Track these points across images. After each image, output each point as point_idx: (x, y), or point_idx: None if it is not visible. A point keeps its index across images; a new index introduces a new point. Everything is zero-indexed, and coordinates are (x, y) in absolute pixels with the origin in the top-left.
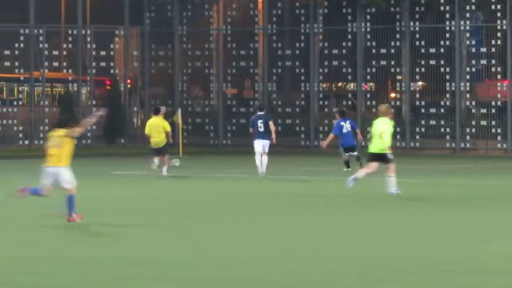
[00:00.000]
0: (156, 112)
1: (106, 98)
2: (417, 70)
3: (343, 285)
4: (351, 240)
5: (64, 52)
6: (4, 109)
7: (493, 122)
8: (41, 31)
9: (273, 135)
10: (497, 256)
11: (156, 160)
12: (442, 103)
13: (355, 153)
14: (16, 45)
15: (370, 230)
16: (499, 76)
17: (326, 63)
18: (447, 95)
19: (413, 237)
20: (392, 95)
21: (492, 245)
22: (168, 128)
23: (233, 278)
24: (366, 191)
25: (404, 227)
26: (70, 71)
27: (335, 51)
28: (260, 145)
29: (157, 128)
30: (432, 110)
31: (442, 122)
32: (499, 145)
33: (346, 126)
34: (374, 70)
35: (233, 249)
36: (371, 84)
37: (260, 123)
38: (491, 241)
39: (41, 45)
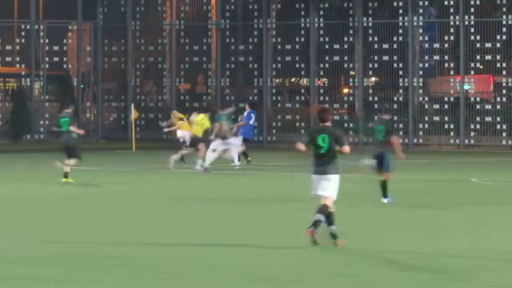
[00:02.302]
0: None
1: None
2: (370, 65)
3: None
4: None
5: (17, 47)
6: None
7: (446, 118)
8: None
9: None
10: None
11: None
12: (395, 98)
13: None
14: None
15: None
16: (451, 72)
17: (279, 58)
18: (400, 91)
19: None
20: (345, 90)
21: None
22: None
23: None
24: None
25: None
26: (23, 66)
27: (288, 47)
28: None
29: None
30: (386, 105)
31: (395, 118)
32: (451, 141)
33: (253, 119)
34: (327, 65)
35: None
36: (324, 79)
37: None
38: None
39: None
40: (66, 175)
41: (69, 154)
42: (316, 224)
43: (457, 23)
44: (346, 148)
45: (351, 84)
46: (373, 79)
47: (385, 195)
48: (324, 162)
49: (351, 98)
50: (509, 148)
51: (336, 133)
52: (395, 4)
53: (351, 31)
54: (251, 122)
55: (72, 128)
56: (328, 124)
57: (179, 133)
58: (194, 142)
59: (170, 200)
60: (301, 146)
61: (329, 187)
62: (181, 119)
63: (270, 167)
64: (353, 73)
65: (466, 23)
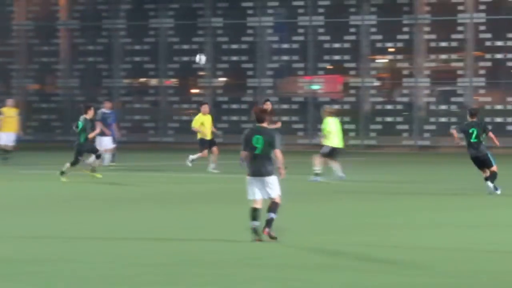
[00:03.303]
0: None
1: None
2: (220, 66)
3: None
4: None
5: None
6: None
7: (295, 118)
8: None
9: None
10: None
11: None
12: (244, 99)
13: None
14: None
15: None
16: (300, 72)
17: (128, 59)
18: (249, 91)
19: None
20: (195, 91)
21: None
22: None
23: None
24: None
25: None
26: None
27: (137, 47)
28: None
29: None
30: (234, 106)
31: (244, 118)
32: (300, 141)
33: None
34: (176, 65)
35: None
36: (174, 80)
37: None
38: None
39: None
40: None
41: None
42: (269, 223)
43: (306, 23)
44: (277, 152)
45: (200, 84)
46: (222, 79)
47: None
48: (258, 163)
49: (200, 98)
50: (356, 148)
51: (271, 135)
52: (244, 4)
53: (200, 31)
54: (109, 121)
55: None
56: (265, 125)
57: None
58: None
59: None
60: (243, 154)
61: (269, 191)
62: None
63: (120, 167)
64: (202, 73)
65: (315, 23)
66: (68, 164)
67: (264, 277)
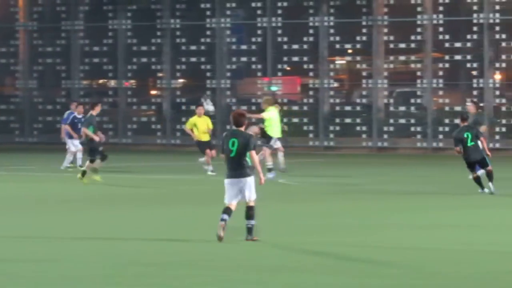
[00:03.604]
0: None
1: None
2: (178, 67)
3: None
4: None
5: None
6: None
7: (254, 119)
8: None
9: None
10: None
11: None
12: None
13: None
14: None
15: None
16: (259, 74)
17: (87, 60)
18: (208, 93)
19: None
20: (153, 92)
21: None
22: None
23: None
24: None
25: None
26: None
27: (96, 48)
28: None
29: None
30: (193, 107)
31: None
32: (259, 142)
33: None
34: (135, 67)
35: None
36: (132, 81)
37: None
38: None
39: None
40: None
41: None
42: (250, 230)
43: (265, 24)
44: (253, 153)
45: (159, 85)
46: (181, 80)
47: None
48: (234, 165)
49: (159, 100)
50: (316, 149)
51: (247, 137)
52: (202, 6)
53: (159, 33)
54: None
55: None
56: (242, 129)
57: None
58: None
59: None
60: (222, 156)
61: (246, 193)
62: None
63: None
64: (161, 74)
65: (274, 24)
66: (88, 163)
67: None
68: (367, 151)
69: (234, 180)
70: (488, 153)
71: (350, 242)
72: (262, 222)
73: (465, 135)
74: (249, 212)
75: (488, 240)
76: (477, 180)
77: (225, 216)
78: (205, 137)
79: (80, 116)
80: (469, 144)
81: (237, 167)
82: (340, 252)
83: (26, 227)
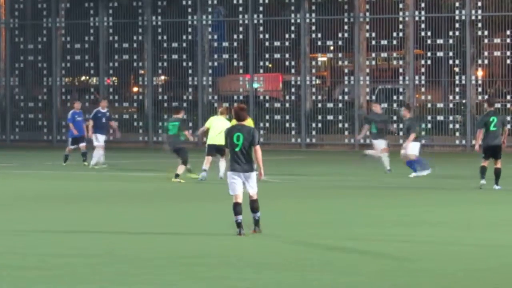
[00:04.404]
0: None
1: None
2: (160, 64)
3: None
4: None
5: None
6: None
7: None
8: None
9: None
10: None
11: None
12: (184, 97)
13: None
14: None
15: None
16: (241, 71)
17: (68, 57)
18: (190, 90)
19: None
20: (135, 89)
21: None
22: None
23: None
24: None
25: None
26: None
27: (77, 46)
28: None
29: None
30: (175, 104)
31: (185, 117)
32: None
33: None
34: (116, 64)
35: None
36: (114, 78)
37: None
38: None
39: None
40: (177, 176)
41: (180, 155)
42: (257, 222)
43: (246, 21)
44: (257, 148)
45: (140, 83)
46: (162, 78)
47: None
48: (239, 159)
49: (140, 97)
50: (298, 146)
51: (251, 132)
52: (184, 3)
53: (140, 30)
54: (78, 118)
55: (186, 132)
56: (245, 123)
57: None
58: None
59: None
60: (225, 151)
61: (250, 185)
62: None
63: (59, 166)
64: (142, 72)
65: (255, 21)
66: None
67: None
68: (349, 148)
69: (239, 173)
70: (505, 141)
71: (332, 238)
72: (244, 219)
73: (491, 119)
74: (254, 205)
75: (475, 236)
76: (483, 169)
77: (239, 218)
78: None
79: (104, 111)
80: (491, 129)
81: (242, 161)
82: (323, 249)
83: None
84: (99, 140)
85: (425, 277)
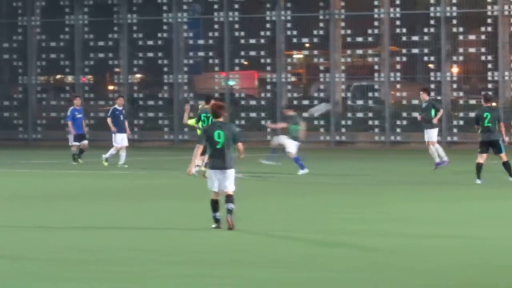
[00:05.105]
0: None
1: None
2: (135, 62)
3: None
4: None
5: None
6: None
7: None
8: None
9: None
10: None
11: None
12: (160, 95)
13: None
14: None
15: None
16: (216, 68)
17: (44, 56)
18: (165, 87)
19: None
20: (111, 87)
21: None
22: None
23: None
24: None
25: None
26: None
27: (53, 44)
28: None
29: None
30: (151, 102)
31: (161, 115)
32: None
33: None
34: (92, 62)
35: None
36: (90, 76)
37: None
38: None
39: None
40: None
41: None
42: (230, 211)
43: (222, 19)
44: (240, 145)
45: (116, 81)
46: (138, 76)
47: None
48: (220, 156)
49: (116, 95)
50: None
51: (232, 129)
52: (159, 1)
53: (116, 28)
54: (78, 116)
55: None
56: (222, 119)
57: None
58: None
59: None
60: (200, 149)
61: (227, 183)
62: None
63: (35, 164)
64: (118, 70)
65: (231, 19)
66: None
67: (178, 275)
68: (326, 146)
69: (218, 171)
70: (505, 138)
71: (313, 236)
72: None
73: (485, 115)
74: (229, 198)
75: (458, 233)
76: (479, 167)
77: (217, 215)
78: None
79: (120, 108)
80: (486, 124)
81: (222, 158)
82: (301, 246)
83: None
84: (118, 141)
85: (408, 273)
